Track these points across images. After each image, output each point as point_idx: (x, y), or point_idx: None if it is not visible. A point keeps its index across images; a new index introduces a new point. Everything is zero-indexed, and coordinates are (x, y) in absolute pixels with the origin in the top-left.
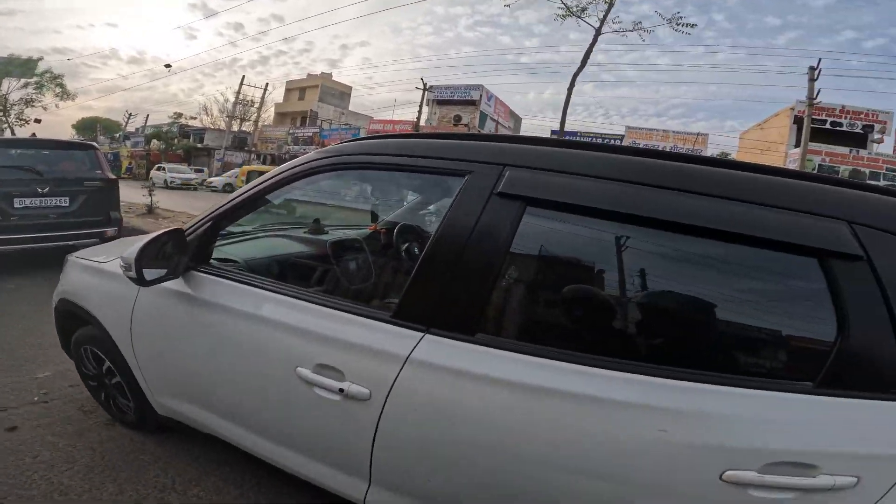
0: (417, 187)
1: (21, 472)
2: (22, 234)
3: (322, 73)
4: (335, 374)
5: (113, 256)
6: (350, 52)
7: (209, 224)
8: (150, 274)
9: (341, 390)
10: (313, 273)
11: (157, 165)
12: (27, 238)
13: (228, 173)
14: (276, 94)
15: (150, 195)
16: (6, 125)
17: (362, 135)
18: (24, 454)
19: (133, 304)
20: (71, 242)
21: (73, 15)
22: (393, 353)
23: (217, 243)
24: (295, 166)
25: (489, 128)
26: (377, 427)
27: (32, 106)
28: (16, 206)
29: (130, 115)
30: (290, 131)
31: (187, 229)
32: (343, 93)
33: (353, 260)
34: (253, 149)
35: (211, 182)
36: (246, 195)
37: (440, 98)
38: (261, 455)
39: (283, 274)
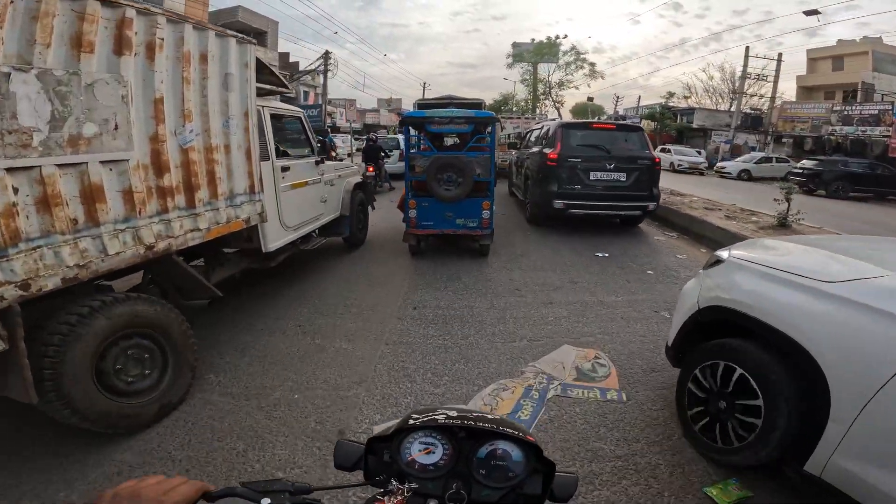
0: None
1: None
2: (590, 201)
3: (864, 37)
4: None
5: (804, 269)
6: (830, 18)
7: None
8: None
9: None
10: None
11: (659, 147)
12: (593, 205)
13: (743, 158)
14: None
15: (787, 200)
16: (547, 107)
17: None
18: None
19: None
20: (623, 213)
21: (542, 14)
22: None
23: None
24: None
25: None
26: None
27: (566, 87)
28: (591, 178)
29: (619, 97)
30: (836, 108)
31: None
32: None
33: None
34: (771, 129)
35: (723, 167)
36: None
37: None
38: None
39: None
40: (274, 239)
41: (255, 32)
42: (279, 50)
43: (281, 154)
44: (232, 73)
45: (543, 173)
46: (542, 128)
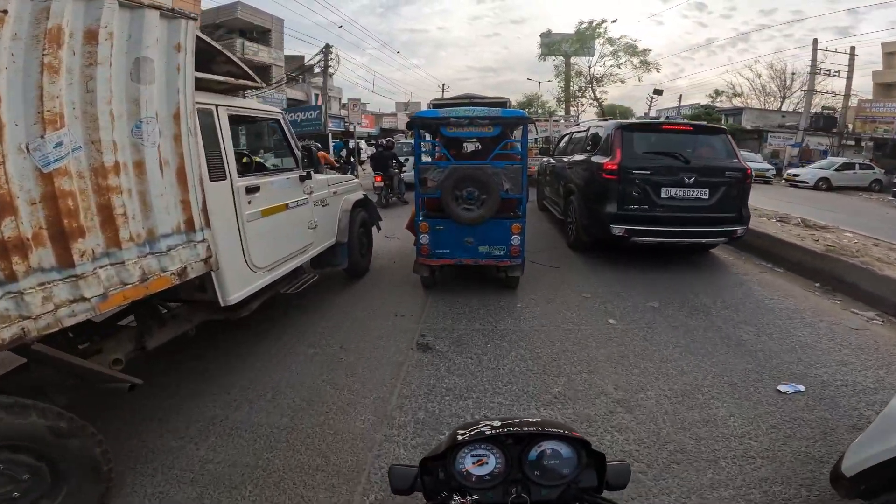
0: None
1: None
2: (661, 226)
3: None
4: None
5: None
6: (864, 17)
7: None
8: None
9: None
10: None
11: None
12: (666, 231)
13: (819, 164)
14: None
15: None
16: (584, 106)
17: None
18: None
19: None
20: (704, 240)
21: (561, 17)
22: None
23: None
24: None
25: None
26: None
27: (607, 82)
28: (662, 195)
29: (653, 97)
30: None
31: None
32: None
33: None
34: (846, 130)
35: (797, 175)
36: None
37: None
38: None
39: None
40: (237, 287)
41: (258, 30)
42: (293, 52)
43: (255, 168)
44: (148, 59)
45: (596, 189)
46: (588, 130)
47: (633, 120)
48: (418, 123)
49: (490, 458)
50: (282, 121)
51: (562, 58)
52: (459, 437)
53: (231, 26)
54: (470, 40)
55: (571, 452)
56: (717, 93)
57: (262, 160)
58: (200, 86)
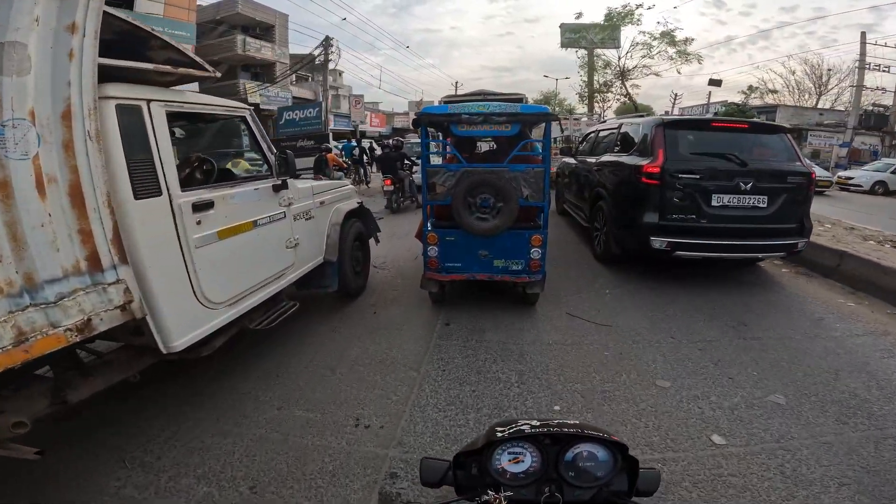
0: None
1: None
2: (712, 238)
3: None
4: None
5: None
6: (888, 14)
7: None
8: None
9: None
10: None
11: None
12: (715, 245)
13: (874, 166)
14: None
15: None
16: (609, 101)
17: None
18: None
19: None
20: (760, 255)
21: (571, 14)
22: None
23: None
24: None
25: None
26: None
27: (639, 76)
28: (713, 203)
29: (677, 95)
30: None
31: None
32: None
33: None
34: None
35: (850, 178)
36: None
37: None
38: None
39: None
40: (184, 330)
41: (261, 27)
42: (302, 49)
43: (218, 178)
44: (16, 44)
45: (633, 195)
46: (619, 127)
47: (680, 116)
48: (425, 121)
49: (526, 457)
50: (249, 119)
51: (585, 50)
52: (498, 434)
53: (232, 22)
54: (483, 40)
55: (608, 456)
56: (751, 89)
57: (256, 166)
58: (131, 78)
